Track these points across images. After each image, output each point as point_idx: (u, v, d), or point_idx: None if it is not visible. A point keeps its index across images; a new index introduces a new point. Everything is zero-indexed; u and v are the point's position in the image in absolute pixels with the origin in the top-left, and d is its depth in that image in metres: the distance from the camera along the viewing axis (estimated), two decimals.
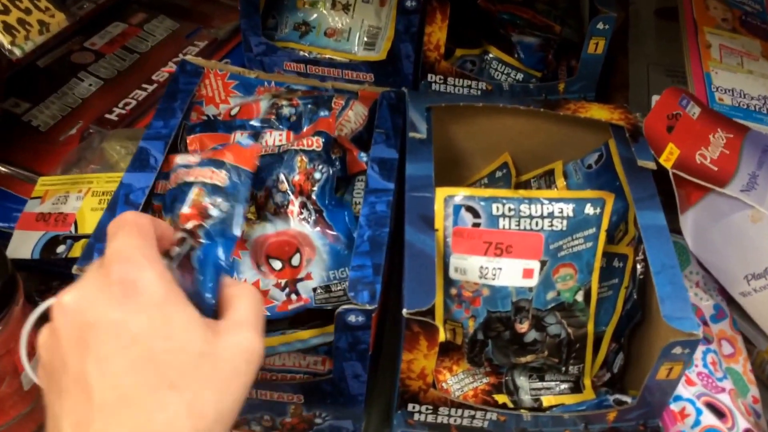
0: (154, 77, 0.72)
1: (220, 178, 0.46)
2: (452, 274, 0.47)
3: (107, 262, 0.31)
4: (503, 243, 0.46)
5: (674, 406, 0.49)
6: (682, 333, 0.42)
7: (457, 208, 0.47)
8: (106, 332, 0.29)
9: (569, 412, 0.46)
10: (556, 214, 0.47)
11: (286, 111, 0.55)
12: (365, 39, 0.70)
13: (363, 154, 0.53)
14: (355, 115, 0.56)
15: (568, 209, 0.47)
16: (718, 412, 0.49)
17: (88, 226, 0.54)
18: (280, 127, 0.53)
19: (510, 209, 0.47)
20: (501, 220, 0.47)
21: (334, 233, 0.48)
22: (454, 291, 0.47)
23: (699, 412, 0.48)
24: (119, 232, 0.32)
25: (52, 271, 0.55)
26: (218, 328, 0.32)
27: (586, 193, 0.48)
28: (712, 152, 0.55)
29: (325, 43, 0.70)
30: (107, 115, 0.67)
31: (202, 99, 0.58)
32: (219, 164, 0.47)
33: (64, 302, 0.30)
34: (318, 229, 0.48)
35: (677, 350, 0.42)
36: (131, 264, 0.30)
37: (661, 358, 0.43)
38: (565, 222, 0.47)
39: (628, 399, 0.46)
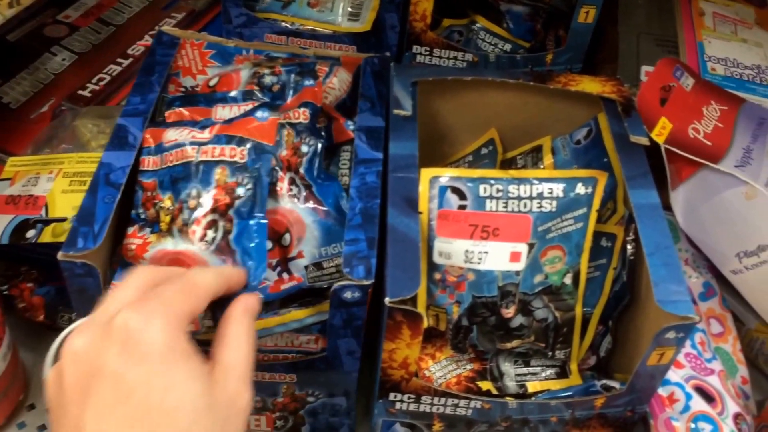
0: (129, 51, 0.67)
1: (241, 155, 0.43)
2: (436, 259, 0.44)
3: (125, 307, 0.31)
4: (490, 226, 0.43)
5: (662, 391, 0.46)
6: (676, 317, 0.39)
7: (442, 190, 0.43)
8: (106, 383, 0.29)
9: (556, 398, 0.43)
10: (546, 194, 0.44)
11: (268, 80, 0.51)
12: (349, 9, 0.66)
13: (350, 123, 0.50)
14: (339, 82, 0.53)
15: (558, 189, 0.44)
16: (708, 396, 0.47)
17: (58, 209, 0.50)
18: (264, 99, 0.49)
19: (498, 190, 0.43)
20: (488, 201, 0.43)
21: (325, 208, 0.45)
22: (438, 276, 0.44)
23: (688, 396, 0.46)
24: (171, 280, 0.33)
25: (21, 256, 0.51)
26: (214, 378, 0.31)
27: (578, 172, 0.45)
28: (705, 126, 0.51)
29: (308, 14, 0.66)
30: (80, 92, 0.63)
31: (179, 70, 0.54)
32: (239, 141, 0.44)
33: (74, 346, 0.30)
34: (308, 205, 0.45)
35: (670, 335, 0.40)
36: (141, 314, 0.30)
37: (654, 343, 0.40)
38: (554, 203, 0.44)
39: (616, 384, 0.44)
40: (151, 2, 0.73)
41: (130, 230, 0.44)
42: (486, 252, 0.43)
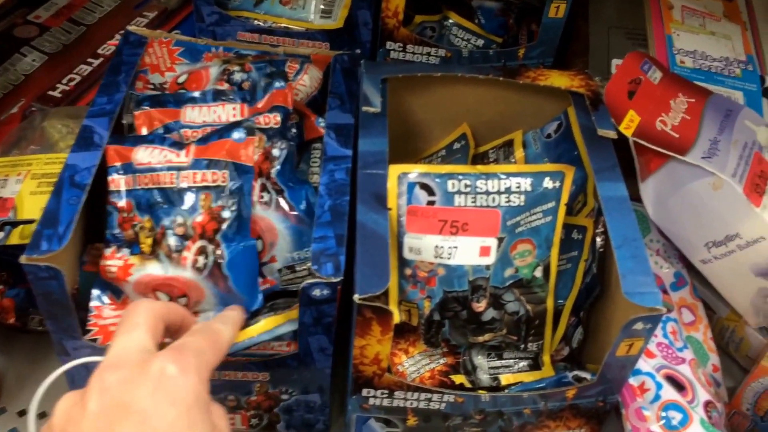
0: (100, 51, 0.66)
1: (223, 178, 0.43)
2: (407, 254, 0.43)
3: (163, 351, 0.32)
4: (459, 221, 0.43)
5: (633, 381, 0.47)
6: (643, 308, 0.39)
7: (411, 186, 0.43)
8: (133, 419, 0.30)
9: (528, 390, 0.43)
10: (514, 189, 0.43)
11: (237, 77, 0.51)
12: (321, 6, 0.65)
13: (320, 120, 0.50)
14: (310, 80, 0.52)
15: (526, 183, 0.44)
16: (678, 385, 0.47)
17: (27, 211, 0.49)
18: (234, 99, 0.49)
19: (466, 185, 0.43)
20: (457, 197, 0.43)
21: (296, 213, 0.45)
22: (408, 271, 0.44)
23: (659, 386, 0.46)
24: (200, 332, 0.35)
25: None
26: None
27: (545, 166, 0.45)
28: (672, 118, 0.51)
29: (280, 11, 0.65)
30: (50, 92, 0.62)
31: (147, 68, 0.53)
32: (218, 165, 0.43)
33: (105, 380, 0.31)
34: (279, 211, 0.45)
35: (638, 326, 0.40)
36: (180, 362, 0.31)
37: (622, 334, 0.40)
38: (522, 197, 0.44)
39: (587, 375, 0.44)
40: (122, 1, 0.71)
41: (107, 251, 0.43)
42: (456, 247, 0.43)
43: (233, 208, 0.43)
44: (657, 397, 0.45)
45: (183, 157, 0.44)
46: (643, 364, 0.47)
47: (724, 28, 0.64)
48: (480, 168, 0.44)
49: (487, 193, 0.43)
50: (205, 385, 0.32)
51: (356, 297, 0.37)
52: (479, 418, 0.45)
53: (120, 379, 0.31)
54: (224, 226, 0.42)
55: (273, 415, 0.49)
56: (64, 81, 0.63)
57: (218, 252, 0.42)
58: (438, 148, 0.58)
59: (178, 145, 0.44)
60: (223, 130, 0.45)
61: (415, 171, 0.43)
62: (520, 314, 0.45)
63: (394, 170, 0.43)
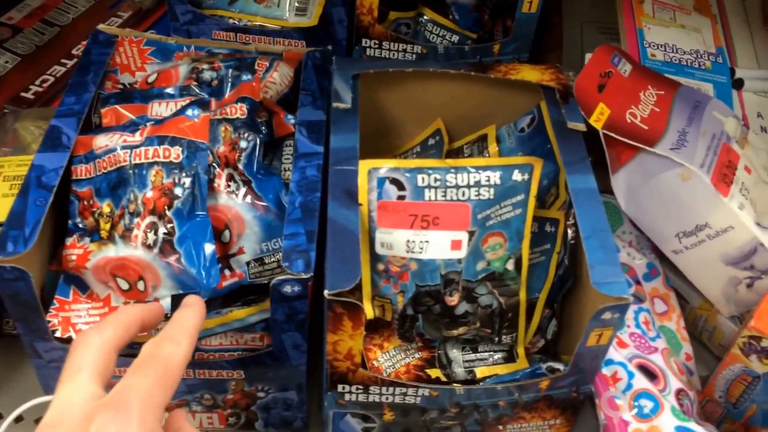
0: (74, 52, 0.66)
1: (176, 154, 0.42)
2: (378, 250, 0.44)
3: (101, 406, 0.29)
4: (429, 215, 0.43)
5: (606, 371, 0.47)
6: (611, 298, 0.39)
7: (381, 181, 0.43)
8: None
9: (502, 383, 0.44)
10: (483, 182, 0.44)
11: (207, 75, 0.51)
12: (296, 4, 0.65)
13: (290, 117, 0.49)
14: (280, 77, 0.52)
15: (495, 177, 0.44)
16: (651, 374, 0.47)
17: (0, 213, 0.49)
18: (201, 94, 0.49)
19: (436, 179, 0.43)
20: (427, 191, 0.43)
21: (264, 204, 0.45)
22: (381, 266, 0.44)
23: (630, 375, 0.46)
24: (144, 368, 0.31)
25: None
26: None
27: (514, 159, 0.45)
28: (642, 111, 0.52)
29: (255, 10, 0.65)
30: (23, 94, 0.61)
31: (117, 67, 0.53)
32: (171, 140, 0.43)
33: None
34: (247, 201, 0.44)
35: (607, 315, 0.40)
36: (119, 422, 0.28)
37: (591, 324, 0.40)
38: (492, 190, 0.44)
39: (560, 366, 0.44)
40: (97, 2, 0.71)
41: (69, 241, 0.43)
42: (427, 241, 0.43)
43: (186, 185, 0.42)
44: (629, 387, 0.46)
45: (137, 136, 0.44)
46: (616, 354, 0.48)
47: (695, 21, 0.64)
48: (449, 162, 0.44)
49: (457, 186, 0.43)
50: (156, 429, 0.29)
51: (326, 292, 0.37)
52: (455, 412, 0.45)
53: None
54: (177, 202, 0.42)
55: (251, 414, 0.48)
56: (37, 82, 0.62)
57: (169, 227, 0.42)
58: (413, 145, 0.58)
59: (135, 129, 0.44)
60: (179, 110, 0.45)
61: (384, 166, 0.43)
62: (493, 307, 0.45)
63: (364, 165, 0.43)
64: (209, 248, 0.42)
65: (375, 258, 0.44)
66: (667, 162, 0.49)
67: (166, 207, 0.42)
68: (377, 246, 0.43)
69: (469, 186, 0.43)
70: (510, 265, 0.45)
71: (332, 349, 0.40)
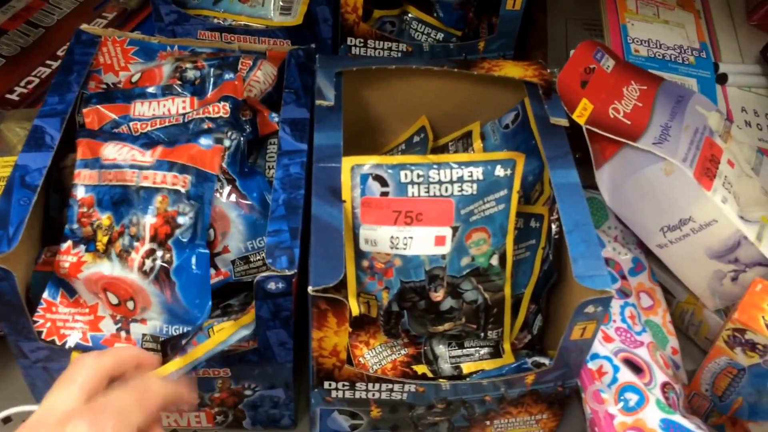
0: (59, 53, 0.65)
1: (183, 182, 0.42)
2: (363, 246, 0.44)
3: (79, 411, 0.31)
4: (413, 211, 0.43)
5: (591, 365, 0.47)
6: (593, 291, 0.40)
7: (364, 178, 0.43)
8: None
9: (488, 378, 0.44)
10: (466, 178, 0.44)
11: (190, 74, 0.51)
12: (281, 3, 0.65)
13: (274, 115, 0.50)
14: (264, 75, 0.52)
15: (478, 172, 0.44)
16: (636, 368, 0.47)
17: None
18: (183, 93, 0.49)
19: (418, 176, 0.43)
20: (410, 187, 0.43)
21: (249, 202, 0.45)
22: (365, 263, 0.44)
23: (616, 369, 0.47)
24: (128, 387, 0.33)
25: None
26: None
27: (496, 154, 0.45)
28: (625, 106, 0.52)
29: (239, 9, 0.65)
30: (8, 95, 0.61)
31: (100, 67, 0.53)
32: (181, 168, 0.43)
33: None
34: (231, 200, 0.44)
35: (590, 309, 0.40)
36: (93, 426, 0.30)
37: (575, 318, 0.41)
38: (475, 186, 0.44)
39: (546, 361, 0.44)
40: (81, 3, 0.71)
41: (63, 246, 0.43)
42: (411, 237, 0.43)
43: (190, 214, 0.42)
44: (614, 380, 0.46)
45: (148, 157, 0.44)
46: (601, 348, 0.48)
47: (678, 16, 0.65)
48: (432, 158, 0.44)
49: (440, 182, 0.43)
50: None
51: (310, 289, 0.37)
52: (442, 407, 0.45)
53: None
54: (178, 232, 0.42)
55: (238, 412, 0.49)
56: (22, 84, 0.62)
57: (167, 257, 0.42)
58: (398, 142, 0.58)
59: (148, 145, 0.44)
60: (192, 135, 0.45)
61: (367, 163, 0.43)
62: (478, 303, 0.46)
63: (347, 162, 0.43)
64: (205, 281, 0.42)
65: (359, 255, 0.44)
66: (650, 156, 0.49)
67: (167, 235, 0.42)
68: (361, 243, 0.44)
69: (452, 182, 0.43)
70: (494, 261, 0.45)
71: (318, 346, 0.40)
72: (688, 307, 0.56)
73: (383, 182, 0.43)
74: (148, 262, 0.42)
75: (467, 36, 0.67)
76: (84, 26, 0.54)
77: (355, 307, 0.44)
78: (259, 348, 0.44)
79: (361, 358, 0.45)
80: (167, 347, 0.41)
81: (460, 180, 0.44)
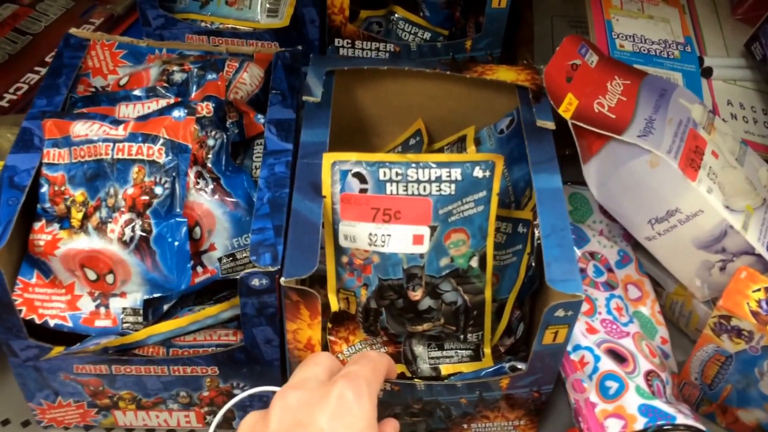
0: (47, 59, 0.67)
1: (159, 153, 0.43)
2: (342, 242, 0.44)
3: (338, 378, 0.35)
4: (391, 209, 0.43)
5: (574, 356, 0.48)
6: (564, 295, 0.40)
7: (343, 174, 0.44)
8: None
9: (462, 380, 0.44)
10: (444, 178, 0.44)
11: (177, 77, 0.52)
12: (267, 6, 0.67)
13: (260, 116, 0.51)
14: (250, 77, 0.53)
15: (456, 173, 0.44)
16: (620, 358, 0.48)
17: None
18: (167, 95, 0.50)
19: (397, 174, 0.44)
20: (388, 185, 0.44)
21: (234, 200, 0.46)
22: (345, 259, 0.45)
23: (597, 359, 0.47)
24: (361, 360, 0.37)
25: None
26: None
27: (475, 156, 0.45)
28: (609, 100, 0.53)
29: (226, 12, 0.66)
30: None
31: (89, 71, 0.54)
32: (154, 139, 0.44)
33: (288, 399, 0.34)
34: (216, 197, 0.45)
35: (560, 313, 0.40)
36: (356, 389, 0.34)
37: (545, 321, 0.41)
38: (453, 186, 0.44)
39: (523, 366, 0.44)
40: (68, 10, 0.72)
41: (37, 226, 0.44)
42: (389, 234, 0.44)
43: (166, 185, 0.43)
44: (595, 369, 0.47)
45: (121, 131, 0.45)
46: (584, 339, 0.48)
47: (662, 11, 0.66)
48: (410, 157, 0.44)
49: (418, 181, 0.43)
50: (375, 411, 0.35)
51: (282, 280, 0.38)
52: (418, 408, 0.46)
53: (301, 399, 0.34)
54: (156, 202, 0.43)
55: (227, 411, 0.49)
56: (11, 90, 0.63)
57: (146, 226, 0.43)
58: (394, 145, 0.59)
59: (117, 122, 0.45)
60: (164, 109, 0.46)
61: (347, 159, 0.44)
62: (458, 304, 0.46)
63: (328, 158, 0.44)
64: (184, 249, 0.43)
65: (339, 251, 0.45)
66: (635, 150, 0.50)
67: (145, 205, 0.43)
68: (341, 238, 0.44)
69: (430, 181, 0.43)
70: (474, 263, 0.45)
71: (293, 338, 0.41)
72: (677, 299, 0.57)
73: (362, 179, 0.44)
74: (128, 232, 0.43)
75: (454, 35, 0.68)
76: (73, 30, 0.55)
77: (334, 303, 0.45)
78: (246, 346, 0.44)
79: (340, 354, 0.46)
80: (148, 310, 0.42)
81: (438, 180, 0.44)
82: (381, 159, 0.44)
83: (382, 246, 0.44)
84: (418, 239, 0.44)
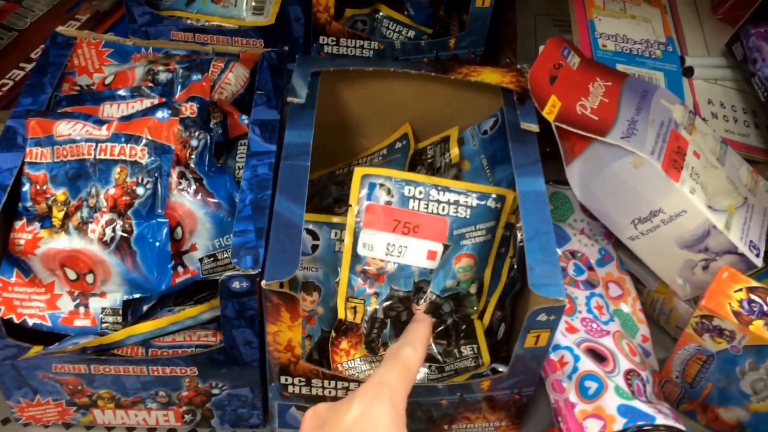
0: (33, 55, 0.65)
1: (141, 153, 0.42)
2: (360, 250, 0.44)
3: (363, 389, 0.35)
4: (411, 222, 0.44)
5: (553, 356, 0.47)
6: (547, 300, 0.38)
7: (372, 186, 0.44)
8: None
9: (442, 382, 0.43)
10: (462, 202, 0.45)
11: (162, 77, 0.50)
12: (253, 3, 0.65)
13: (244, 117, 0.49)
14: (235, 78, 0.52)
15: (472, 199, 0.45)
16: (600, 357, 0.46)
17: None
18: (152, 94, 0.48)
19: (420, 192, 0.45)
20: (411, 201, 0.45)
21: (216, 201, 0.45)
22: (359, 267, 0.45)
23: (576, 358, 0.46)
24: (387, 362, 0.37)
25: None
26: None
27: (491, 188, 0.46)
28: (591, 102, 0.51)
29: (212, 10, 0.64)
30: None
31: (75, 69, 0.53)
32: (137, 139, 0.43)
33: (318, 408, 0.35)
34: (198, 198, 0.44)
35: (542, 317, 0.39)
36: (378, 400, 0.34)
37: (527, 325, 0.40)
38: (469, 211, 0.45)
39: (504, 368, 0.43)
40: (54, 6, 0.70)
41: (18, 224, 0.43)
42: (405, 246, 0.44)
43: (148, 185, 0.42)
44: (575, 369, 0.45)
45: (104, 131, 0.43)
46: (563, 339, 0.47)
47: (644, 11, 0.64)
48: (435, 180, 0.46)
49: (438, 201, 0.45)
50: (401, 412, 0.35)
51: (264, 283, 0.37)
52: None
53: (328, 407, 0.35)
54: (137, 202, 0.42)
55: (206, 411, 0.47)
56: None
57: (127, 226, 0.42)
58: (380, 147, 0.57)
59: (101, 122, 0.44)
60: (148, 109, 0.45)
61: (377, 174, 0.45)
62: (447, 323, 0.46)
63: (359, 172, 0.45)
64: (165, 250, 0.42)
65: (356, 258, 0.44)
66: (618, 151, 0.48)
67: (126, 206, 0.42)
68: (359, 246, 0.44)
69: (449, 203, 0.45)
70: (473, 289, 0.46)
71: (273, 340, 0.40)
72: (658, 296, 0.55)
73: (389, 192, 0.45)
74: (109, 232, 0.42)
75: (438, 33, 0.66)
76: (60, 28, 0.53)
77: (342, 311, 0.44)
78: (226, 347, 0.43)
79: (339, 365, 0.45)
80: (128, 311, 0.41)
81: (456, 203, 0.45)
82: (408, 177, 0.45)
83: (399, 257, 0.44)
84: (432, 254, 0.45)
